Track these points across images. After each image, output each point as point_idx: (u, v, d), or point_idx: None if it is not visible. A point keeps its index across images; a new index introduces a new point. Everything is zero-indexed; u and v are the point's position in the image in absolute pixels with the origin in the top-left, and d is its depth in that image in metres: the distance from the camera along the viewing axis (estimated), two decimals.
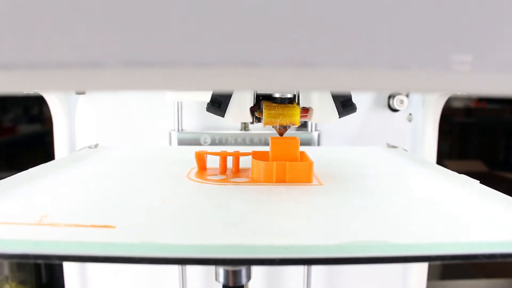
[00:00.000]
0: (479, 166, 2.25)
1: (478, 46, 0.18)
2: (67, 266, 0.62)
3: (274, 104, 0.36)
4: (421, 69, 0.18)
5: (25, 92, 0.52)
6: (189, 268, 0.57)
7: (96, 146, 0.55)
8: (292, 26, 0.17)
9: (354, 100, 0.37)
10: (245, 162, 0.43)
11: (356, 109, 0.37)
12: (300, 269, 0.57)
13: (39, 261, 0.23)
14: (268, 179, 0.38)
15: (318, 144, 0.60)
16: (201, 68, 0.17)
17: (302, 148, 0.41)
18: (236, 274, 0.30)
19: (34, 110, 2.22)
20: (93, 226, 0.26)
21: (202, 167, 0.43)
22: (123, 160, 0.48)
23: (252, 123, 0.39)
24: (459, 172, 0.41)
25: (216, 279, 0.30)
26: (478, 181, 0.37)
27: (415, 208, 0.31)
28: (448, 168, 0.45)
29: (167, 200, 0.31)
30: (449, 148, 3.04)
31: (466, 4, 0.17)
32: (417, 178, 0.41)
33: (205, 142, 0.58)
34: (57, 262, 0.23)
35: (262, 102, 0.37)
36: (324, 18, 0.17)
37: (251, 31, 0.16)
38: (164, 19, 0.16)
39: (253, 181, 0.38)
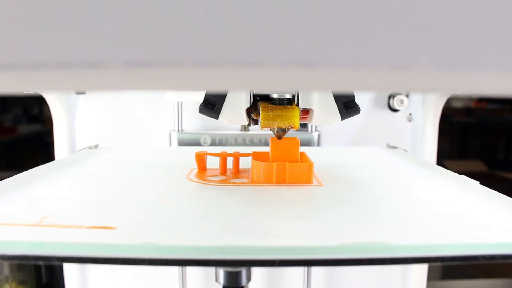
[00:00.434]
0: (479, 166, 2.25)
1: (478, 46, 0.18)
2: (67, 267, 0.62)
3: (272, 105, 0.34)
4: (421, 69, 0.18)
5: (25, 92, 0.52)
6: (189, 269, 0.57)
7: (96, 146, 0.55)
8: (292, 26, 0.17)
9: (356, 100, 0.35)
10: (245, 162, 0.43)
11: (359, 110, 0.35)
12: (300, 270, 0.57)
13: (39, 263, 0.24)
14: (268, 180, 0.38)
15: (318, 145, 0.60)
16: (201, 68, 0.17)
17: (302, 149, 0.41)
18: (236, 275, 0.30)
19: (34, 110, 2.22)
20: (94, 227, 0.26)
21: (202, 168, 0.43)
22: (123, 161, 0.48)
23: (248, 125, 0.37)
24: (459, 173, 0.41)
25: (216, 280, 0.30)
26: (478, 182, 0.37)
27: (415, 209, 0.31)
28: (448, 168, 0.45)
29: (167, 201, 0.31)
30: (449, 148, 3.04)
31: (466, 3, 0.17)
32: (417, 179, 0.41)
33: (205, 143, 0.58)
34: (57, 263, 0.23)
35: (259, 103, 0.35)
36: (324, 17, 0.17)
37: (251, 31, 0.16)
38: (164, 19, 0.16)
39: (253, 182, 0.38)
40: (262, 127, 0.35)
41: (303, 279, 0.55)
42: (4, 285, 0.87)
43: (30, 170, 0.41)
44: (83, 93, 0.63)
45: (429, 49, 0.18)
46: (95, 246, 0.23)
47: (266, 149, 0.42)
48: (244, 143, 0.58)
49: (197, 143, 0.58)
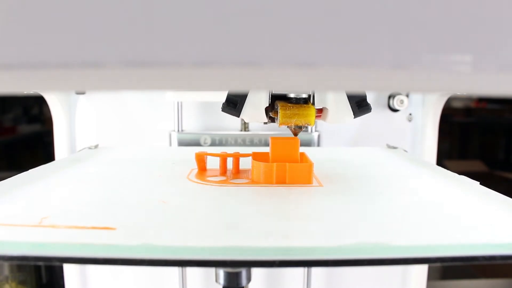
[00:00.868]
0: (479, 166, 2.25)
1: (478, 46, 0.18)
2: (67, 267, 0.62)
3: (289, 104, 0.36)
4: (421, 69, 0.18)
5: (25, 92, 0.53)
6: (189, 270, 0.57)
7: (96, 146, 0.55)
8: (293, 26, 0.17)
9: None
10: (245, 163, 0.43)
11: (371, 109, 0.37)
12: (300, 270, 0.57)
13: (39, 263, 0.24)
14: (268, 180, 0.38)
15: (318, 145, 0.60)
16: (201, 68, 0.17)
17: (302, 149, 0.41)
18: (236, 276, 0.30)
19: (34, 110, 2.22)
20: (94, 228, 0.26)
21: (202, 168, 0.43)
22: (123, 161, 0.48)
23: (266, 123, 0.39)
24: (459, 173, 0.41)
25: (216, 280, 0.30)
26: (478, 182, 0.37)
27: (415, 210, 0.31)
28: (448, 168, 0.45)
29: (167, 202, 0.31)
30: (449, 148, 3.04)
31: (466, 3, 0.17)
32: (416, 180, 0.41)
33: (205, 143, 0.58)
34: (57, 264, 0.23)
35: (276, 102, 0.37)
36: (325, 17, 0.17)
37: (251, 31, 0.16)
38: (164, 19, 0.16)
39: (253, 182, 0.38)
40: (280, 125, 0.37)
41: (303, 280, 0.55)
42: (4, 285, 0.87)
43: (30, 171, 0.41)
44: (83, 93, 0.63)
45: (429, 49, 0.18)
46: (95, 246, 0.23)
47: (266, 149, 0.42)
48: (244, 143, 0.58)
49: (197, 143, 0.58)
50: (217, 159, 0.42)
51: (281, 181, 0.37)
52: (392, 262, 0.23)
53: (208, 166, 0.44)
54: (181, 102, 0.59)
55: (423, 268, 0.63)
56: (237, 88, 0.19)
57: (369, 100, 0.65)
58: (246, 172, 0.42)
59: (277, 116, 0.36)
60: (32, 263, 0.23)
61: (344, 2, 0.17)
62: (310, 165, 0.38)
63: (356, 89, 0.19)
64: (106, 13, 0.16)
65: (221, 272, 0.30)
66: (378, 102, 0.65)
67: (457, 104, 3.00)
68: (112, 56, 0.17)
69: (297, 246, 0.23)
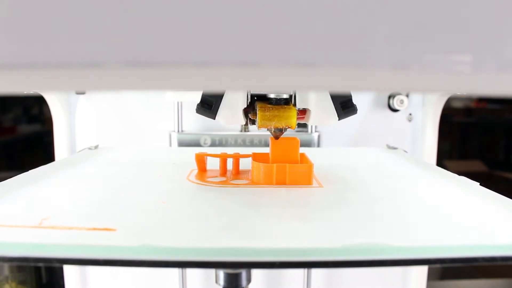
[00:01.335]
0: (479, 166, 2.25)
1: (478, 46, 0.18)
2: (67, 267, 0.62)
3: (269, 105, 0.34)
4: (421, 69, 0.18)
5: (25, 92, 0.52)
6: (189, 270, 0.57)
7: (96, 147, 0.55)
8: (291, 26, 0.17)
9: (354, 100, 0.35)
10: (245, 163, 0.43)
11: (356, 110, 0.35)
12: (300, 271, 0.57)
13: (40, 264, 0.24)
14: (268, 181, 0.38)
15: (318, 145, 0.60)
16: (201, 68, 0.17)
17: (302, 150, 0.41)
18: (236, 277, 0.30)
19: (34, 110, 2.22)
20: (94, 229, 0.26)
21: (202, 169, 0.43)
22: (123, 162, 0.48)
23: (245, 125, 0.37)
24: (459, 173, 0.41)
25: (216, 281, 0.30)
26: (478, 183, 0.37)
27: (414, 211, 0.31)
28: (448, 168, 0.45)
29: (167, 203, 0.31)
30: (449, 148, 3.04)
31: (466, 3, 0.17)
32: (417, 180, 0.41)
33: (205, 143, 0.58)
34: (57, 265, 0.23)
35: (256, 103, 0.35)
36: (324, 17, 0.17)
37: (250, 31, 0.16)
38: (164, 19, 0.16)
39: (253, 183, 0.38)
40: (259, 127, 0.35)
41: (303, 280, 0.55)
42: (4, 285, 0.87)
43: (30, 171, 0.41)
44: (83, 93, 0.63)
45: (429, 49, 0.18)
46: (95, 247, 0.23)
47: (266, 149, 0.42)
48: (244, 144, 0.58)
49: (197, 144, 0.58)
50: (217, 159, 0.42)
51: (281, 182, 0.37)
52: (392, 263, 0.23)
53: (208, 167, 0.44)
54: (181, 102, 0.59)
55: (423, 268, 0.63)
56: (236, 88, 0.19)
57: (369, 100, 0.65)
58: (246, 173, 0.42)
59: (256, 118, 0.34)
60: (32, 264, 0.23)
61: (344, 2, 0.17)
62: (310, 166, 0.38)
63: (356, 89, 0.19)
64: (105, 13, 0.16)
65: (221, 273, 0.30)
66: (378, 102, 0.65)
67: (457, 104, 3.00)
68: (112, 56, 0.17)
69: (297, 247, 0.23)
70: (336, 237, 0.25)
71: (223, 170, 0.42)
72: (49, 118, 0.67)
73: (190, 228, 0.26)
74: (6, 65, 0.17)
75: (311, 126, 0.60)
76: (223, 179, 0.40)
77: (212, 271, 0.32)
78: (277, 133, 0.37)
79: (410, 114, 0.66)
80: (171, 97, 0.56)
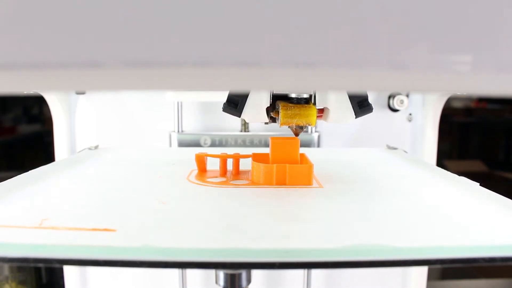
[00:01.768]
0: (479, 166, 2.25)
1: (477, 46, 0.18)
2: (67, 267, 0.62)
3: (291, 104, 0.36)
4: (421, 69, 0.18)
5: (25, 92, 0.52)
6: (189, 271, 0.57)
7: (96, 147, 0.55)
8: (293, 26, 0.17)
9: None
10: (245, 164, 0.43)
11: (372, 109, 0.36)
12: (300, 271, 0.57)
13: (40, 265, 0.23)
14: (268, 182, 0.38)
15: (318, 145, 0.60)
16: (201, 68, 0.17)
17: (302, 150, 0.41)
18: (236, 278, 0.30)
19: (34, 110, 2.22)
20: (94, 229, 0.26)
21: (202, 169, 0.43)
22: (123, 162, 0.48)
23: (267, 123, 0.38)
24: (459, 173, 0.41)
25: (217, 282, 0.30)
26: (478, 184, 0.37)
27: (414, 211, 0.31)
28: (448, 168, 0.45)
29: (167, 203, 0.31)
30: (449, 148, 3.04)
31: (465, 4, 0.17)
32: (416, 181, 0.41)
33: (205, 144, 0.58)
34: (57, 265, 0.23)
35: (278, 102, 0.37)
36: (325, 18, 0.17)
37: (251, 31, 0.16)
38: (164, 19, 0.16)
39: (253, 183, 0.38)
40: (281, 125, 0.36)
41: (303, 280, 0.55)
42: (4, 285, 0.87)
43: (30, 171, 0.41)
44: (83, 93, 0.63)
45: (429, 49, 0.18)
46: (96, 248, 0.23)
47: (266, 150, 0.42)
48: (244, 144, 0.58)
49: (197, 144, 0.58)
50: (217, 160, 0.42)
51: (281, 182, 0.37)
52: (392, 264, 0.23)
53: (208, 167, 0.44)
54: (181, 103, 0.59)
55: (423, 269, 0.63)
56: (236, 88, 0.19)
57: (369, 100, 0.65)
58: (246, 173, 0.42)
59: (278, 116, 0.36)
60: (33, 265, 0.23)
61: (345, 3, 0.17)
62: (310, 167, 0.38)
63: (356, 89, 0.19)
64: (105, 13, 0.16)
65: (221, 273, 0.30)
66: (378, 102, 0.65)
67: (457, 104, 3.00)
68: (112, 56, 0.17)
69: (297, 248, 0.23)
70: (336, 237, 0.25)
71: (223, 171, 0.42)
72: (49, 118, 0.67)
73: (190, 229, 0.26)
74: (6, 65, 0.17)
75: (311, 127, 0.60)
76: (223, 179, 0.40)
77: (212, 272, 0.32)
78: (298, 130, 0.38)
79: (410, 114, 0.66)
80: (171, 97, 0.56)
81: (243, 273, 0.30)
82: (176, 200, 0.32)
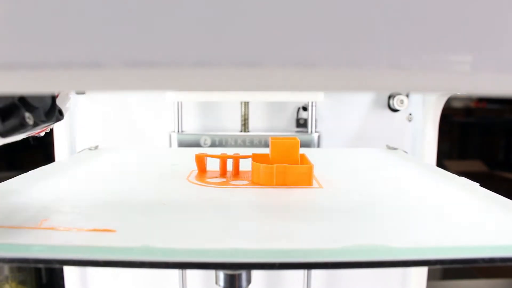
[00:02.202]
0: (479, 166, 2.25)
1: (477, 46, 0.18)
2: (67, 267, 0.62)
3: None
4: (421, 69, 0.18)
5: (25, 92, 0.52)
6: (189, 271, 0.57)
7: (96, 148, 0.55)
8: (292, 27, 0.17)
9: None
10: (245, 164, 0.43)
11: (29, 125, 0.27)
12: (300, 271, 0.57)
13: (40, 265, 0.23)
14: (268, 182, 0.38)
15: (318, 146, 0.60)
16: (199, 68, 0.17)
17: (302, 150, 0.41)
18: (236, 278, 0.30)
19: None
20: (94, 230, 0.26)
21: (202, 169, 0.43)
22: (123, 163, 0.48)
23: None
24: (459, 173, 0.41)
25: (216, 282, 0.30)
26: (478, 184, 0.37)
27: (414, 212, 0.31)
28: (448, 168, 0.45)
29: (167, 204, 0.31)
30: (449, 148, 3.04)
31: (465, 4, 0.17)
32: (416, 181, 0.41)
33: (205, 144, 0.58)
34: (57, 266, 0.23)
35: None
36: (324, 18, 0.17)
37: (250, 32, 0.16)
38: (164, 19, 0.16)
39: (253, 183, 0.38)
40: None
41: (303, 281, 0.55)
42: (4, 285, 0.87)
43: (30, 172, 0.41)
44: (83, 93, 0.63)
45: (429, 50, 0.18)
46: (95, 249, 0.23)
47: (266, 150, 0.42)
48: (244, 144, 0.58)
49: (197, 144, 0.58)
50: (217, 160, 0.42)
51: (281, 182, 0.37)
52: (392, 264, 0.23)
53: (208, 167, 0.44)
54: (181, 103, 0.59)
55: (423, 269, 0.63)
56: (235, 88, 0.19)
57: (369, 100, 0.65)
58: (246, 174, 0.42)
59: None
60: (33, 265, 0.23)
61: (343, 3, 0.17)
62: (310, 167, 0.38)
63: (355, 90, 0.19)
64: (106, 13, 0.16)
65: (221, 274, 0.30)
66: (378, 102, 0.65)
67: (457, 104, 3.00)
68: (112, 57, 0.17)
69: (297, 248, 0.23)
70: (337, 238, 0.25)
71: (223, 171, 0.42)
72: None
73: (190, 229, 0.26)
74: (6, 65, 0.17)
75: (311, 126, 0.60)
76: (223, 179, 0.40)
77: (212, 272, 0.32)
78: None
79: (410, 114, 0.66)
80: (171, 97, 0.56)
81: (243, 274, 0.30)
82: (176, 201, 0.32)
